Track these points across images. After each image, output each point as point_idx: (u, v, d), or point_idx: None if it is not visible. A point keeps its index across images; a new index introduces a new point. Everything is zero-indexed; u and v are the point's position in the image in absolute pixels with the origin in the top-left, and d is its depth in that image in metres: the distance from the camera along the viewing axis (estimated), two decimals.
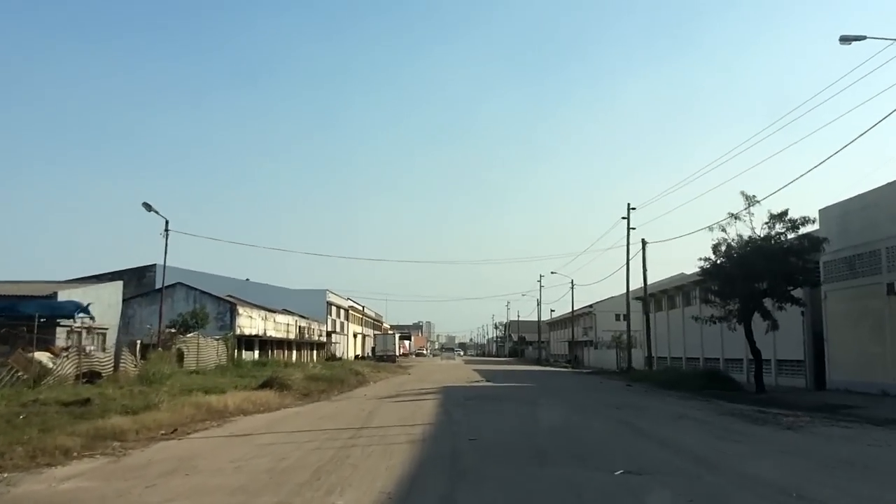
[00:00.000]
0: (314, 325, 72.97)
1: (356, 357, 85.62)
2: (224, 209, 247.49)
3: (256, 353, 52.47)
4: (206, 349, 41.76)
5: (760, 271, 29.41)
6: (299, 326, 66.46)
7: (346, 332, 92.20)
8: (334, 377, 34.97)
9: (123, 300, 48.21)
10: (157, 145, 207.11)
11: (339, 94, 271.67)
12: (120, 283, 47.82)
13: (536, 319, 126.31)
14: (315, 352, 74.00)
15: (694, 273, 54.07)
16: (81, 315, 34.96)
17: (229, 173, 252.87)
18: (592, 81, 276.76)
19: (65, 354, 28.07)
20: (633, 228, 53.75)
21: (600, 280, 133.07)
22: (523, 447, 12.99)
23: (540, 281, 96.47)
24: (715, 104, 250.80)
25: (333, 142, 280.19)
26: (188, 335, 40.57)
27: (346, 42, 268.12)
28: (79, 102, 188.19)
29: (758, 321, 31.92)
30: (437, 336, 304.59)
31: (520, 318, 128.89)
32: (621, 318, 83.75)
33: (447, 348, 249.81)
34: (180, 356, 37.97)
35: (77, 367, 27.67)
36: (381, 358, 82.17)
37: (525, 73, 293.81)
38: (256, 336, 51.84)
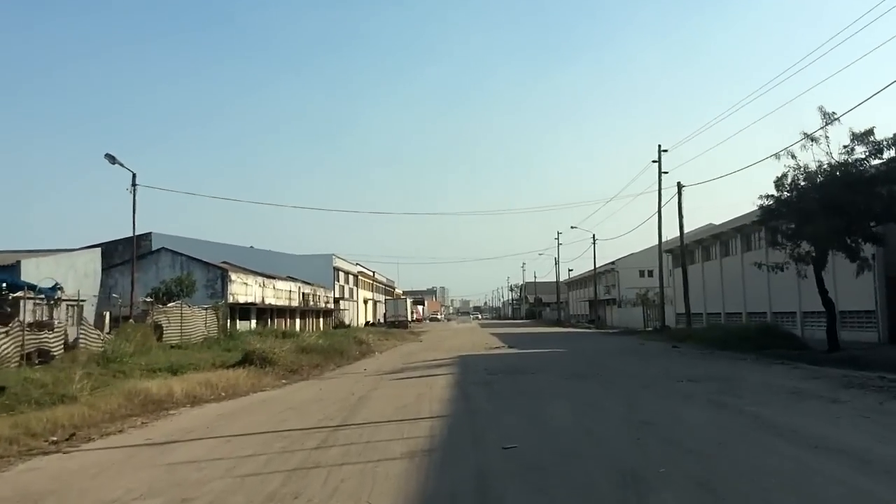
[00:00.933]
0: (320, 292, 67.98)
1: (366, 324, 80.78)
2: (244, 175, 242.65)
3: (253, 322, 47.49)
4: (191, 320, 36.75)
5: (843, 204, 23.80)
6: (303, 293, 61.47)
7: (355, 298, 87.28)
8: (332, 348, 29.90)
9: (104, 269, 43.33)
10: (161, 114, 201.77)
11: (350, 59, 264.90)
12: (98, 251, 42.80)
13: (554, 280, 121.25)
14: (321, 320, 69.15)
15: (729, 221, 48.80)
16: (48, 291, 30.03)
17: (246, 145, 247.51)
18: (604, 41, 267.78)
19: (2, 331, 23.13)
20: (666, 172, 48.02)
21: (622, 234, 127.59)
22: (599, 466, 7.70)
23: (558, 238, 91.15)
24: (730, 49, 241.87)
25: (343, 107, 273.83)
26: (169, 305, 35.51)
27: (358, 7, 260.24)
28: (86, 82, 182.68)
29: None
30: (452, 301, 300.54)
31: (536, 279, 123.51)
32: (646, 274, 78.50)
33: (463, 312, 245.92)
34: (158, 329, 33.08)
35: (21, 345, 22.74)
36: (393, 324, 77.27)
37: (537, 34, 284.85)
38: (252, 304, 46.81)
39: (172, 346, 32.42)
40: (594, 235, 71.50)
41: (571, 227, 72.41)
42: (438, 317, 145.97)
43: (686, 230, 55.38)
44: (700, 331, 39.06)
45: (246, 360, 23.46)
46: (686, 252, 56.08)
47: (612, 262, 77.04)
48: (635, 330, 59.48)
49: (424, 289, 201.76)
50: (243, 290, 45.90)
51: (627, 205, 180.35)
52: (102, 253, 48.67)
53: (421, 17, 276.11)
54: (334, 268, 75.57)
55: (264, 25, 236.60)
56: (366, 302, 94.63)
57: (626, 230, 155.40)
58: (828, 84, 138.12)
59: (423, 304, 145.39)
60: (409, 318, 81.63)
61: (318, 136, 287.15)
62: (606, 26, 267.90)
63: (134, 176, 33.18)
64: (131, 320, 32.80)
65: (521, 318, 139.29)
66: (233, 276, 44.14)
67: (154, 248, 68.38)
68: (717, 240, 51.53)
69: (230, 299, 43.53)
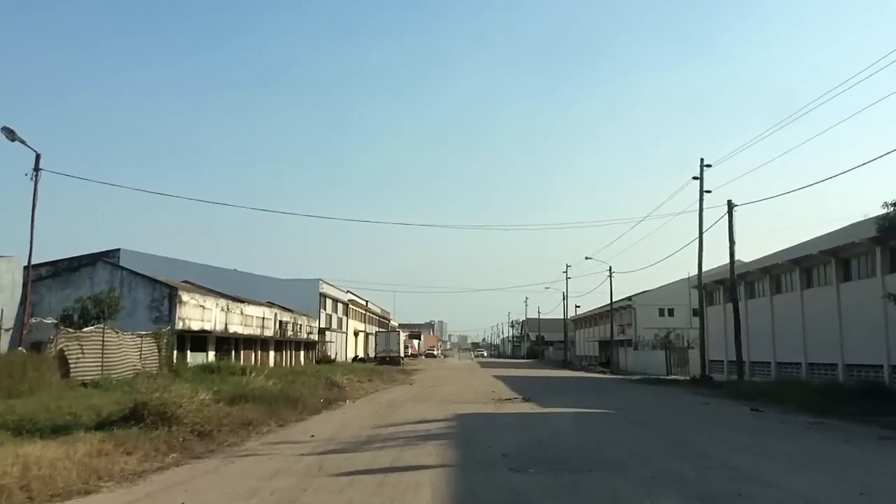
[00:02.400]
0: (302, 321, 59.44)
1: (354, 359, 72.10)
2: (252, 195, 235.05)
3: (211, 354, 39.02)
4: (117, 350, 28.48)
5: None
6: (280, 321, 52.96)
7: (344, 329, 78.68)
8: (283, 395, 21.43)
9: (33, 281, 34.98)
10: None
11: (352, 97, 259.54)
12: (18, 259, 34.31)
13: (557, 317, 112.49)
14: (302, 353, 60.60)
15: (784, 251, 39.87)
16: None
17: (250, 172, 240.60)
18: (609, 82, 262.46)
19: None
20: (709, 192, 39.87)
21: (641, 268, 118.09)
22: None
23: (566, 271, 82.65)
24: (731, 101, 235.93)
25: (347, 142, 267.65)
26: (86, 329, 27.10)
27: (361, 45, 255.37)
28: (89, 102, 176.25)
29: None
30: (450, 336, 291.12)
31: (540, 315, 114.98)
32: (666, 313, 70.02)
33: (464, 348, 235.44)
34: (64, 361, 24.78)
35: None
36: (384, 360, 68.65)
37: (542, 75, 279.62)
38: (209, 332, 38.37)
39: (85, 384, 24.18)
40: (611, 268, 63.25)
41: (586, 258, 64.16)
42: (435, 353, 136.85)
43: (709, 266, 47.48)
44: (769, 386, 30.44)
45: (134, 416, 15.14)
46: (719, 289, 47.82)
47: (629, 298, 68.63)
48: (658, 377, 50.77)
49: (422, 322, 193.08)
50: (198, 313, 37.45)
51: (644, 239, 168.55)
52: (62, 270, 40.72)
53: (427, 51, 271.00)
54: (320, 294, 67.17)
55: (269, 57, 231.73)
56: (356, 334, 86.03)
57: (644, 264, 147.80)
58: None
59: (420, 339, 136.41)
60: (403, 354, 72.79)
61: (325, 173, 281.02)
62: (613, 60, 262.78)
63: (37, 157, 24.93)
64: (20, 348, 24.48)
65: (522, 357, 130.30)
66: (184, 297, 35.73)
67: (125, 264, 60.37)
68: (765, 274, 43.19)
69: (179, 325, 35.13)
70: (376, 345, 71.44)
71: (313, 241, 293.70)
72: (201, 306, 37.98)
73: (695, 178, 40.04)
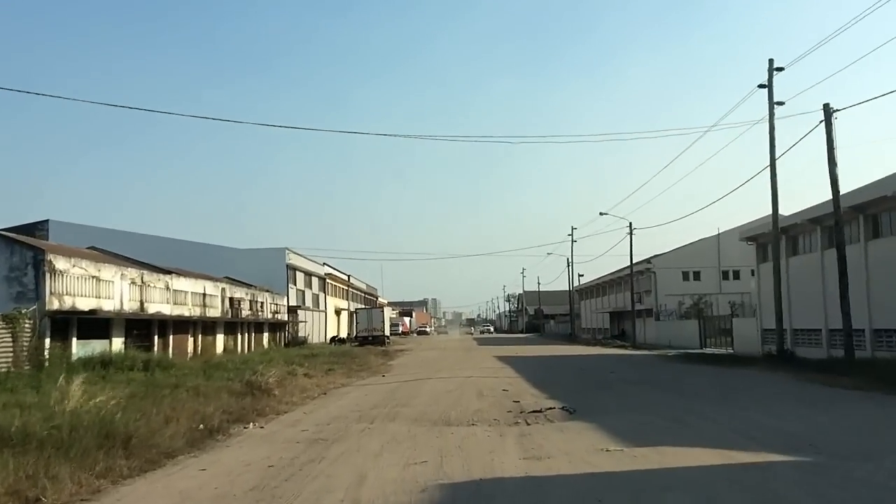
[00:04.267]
0: (262, 298, 48.60)
1: (332, 340, 61.30)
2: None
3: (118, 342, 28.20)
4: None
5: None
6: (231, 298, 42.09)
7: (322, 307, 67.89)
8: (107, 430, 10.63)
9: None
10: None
11: (342, 79, 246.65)
12: None
13: (557, 289, 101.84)
14: (267, 334, 49.83)
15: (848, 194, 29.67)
16: None
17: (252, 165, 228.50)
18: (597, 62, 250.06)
19: None
20: (781, 103, 29.02)
21: (666, 223, 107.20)
22: None
23: (571, 234, 71.69)
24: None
25: (335, 123, 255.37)
26: None
27: (348, 27, 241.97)
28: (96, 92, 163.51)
29: None
30: (444, 313, 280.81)
31: (541, 287, 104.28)
32: (691, 276, 59.45)
33: (462, 324, 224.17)
34: None
35: None
36: (366, 340, 57.91)
37: (527, 55, 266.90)
38: (111, 313, 27.53)
39: None
40: (631, 223, 52.28)
41: (601, 214, 53.34)
42: (427, 330, 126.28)
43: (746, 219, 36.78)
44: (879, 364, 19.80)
45: None
46: (770, 244, 37.17)
47: (648, 261, 57.94)
48: (696, 352, 40.21)
49: (415, 300, 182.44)
50: (90, 287, 26.55)
51: (660, 196, 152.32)
52: None
53: (410, 42, 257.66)
54: (288, 266, 56.21)
55: (262, 39, 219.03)
56: (338, 313, 75.35)
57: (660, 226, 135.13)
58: None
59: (411, 316, 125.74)
60: (387, 333, 61.99)
61: (317, 150, 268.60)
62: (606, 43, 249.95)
63: None
64: None
65: (520, 332, 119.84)
66: (59, 264, 24.75)
67: (54, 238, 49.90)
68: (815, 225, 32.59)
69: (55, 303, 24.24)
70: (356, 323, 60.70)
71: (306, 217, 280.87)
72: (94, 277, 26.99)
73: (761, 85, 29.12)
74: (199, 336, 37.43)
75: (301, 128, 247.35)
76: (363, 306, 76.72)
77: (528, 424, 12.20)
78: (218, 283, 40.61)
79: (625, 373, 24.45)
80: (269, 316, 50.10)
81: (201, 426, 12.47)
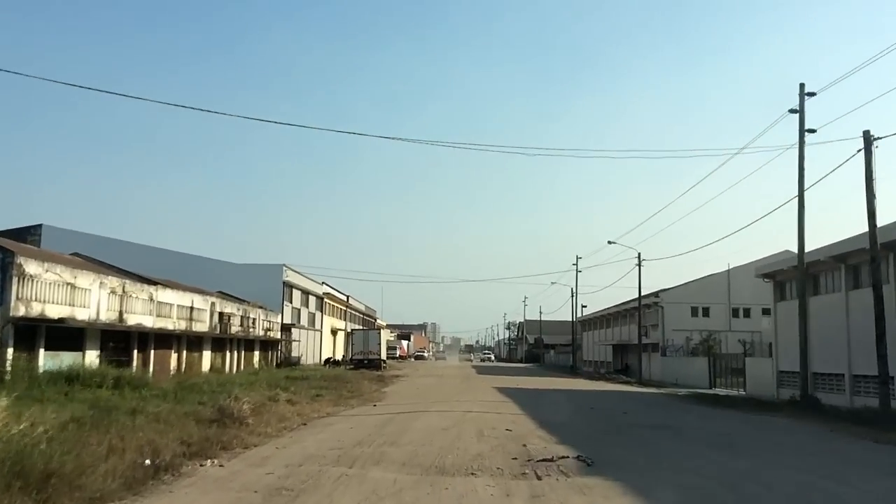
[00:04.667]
0: (255, 314, 46.48)
1: (326, 362, 59.00)
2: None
3: (92, 354, 26.11)
4: None
5: None
6: (221, 313, 39.97)
7: (318, 326, 65.71)
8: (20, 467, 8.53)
9: None
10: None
11: (351, 95, 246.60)
12: None
13: (560, 319, 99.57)
14: (258, 353, 47.68)
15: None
16: None
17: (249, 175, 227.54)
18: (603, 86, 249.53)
19: None
20: (812, 131, 27.16)
21: (677, 255, 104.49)
22: None
23: (576, 264, 69.66)
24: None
25: (339, 144, 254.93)
26: None
27: (356, 46, 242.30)
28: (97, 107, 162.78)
29: None
30: (443, 338, 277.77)
31: (542, 316, 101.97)
32: (700, 312, 57.24)
33: (465, 351, 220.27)
34: None
35: None
36: (361, 363, 55.62)
37: (535, 77, 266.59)
38: (85, 322, 25.45)
39: None
40: (639, 254, 50.26)
41: (609, 243, 51.24)
42: (425, 355, 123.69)
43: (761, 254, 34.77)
44: None
45: None
46: (793, 281, 35.09)
47: (655, 294, 55.79)
48: (708, 393, 38.02)
49: (414, 323, 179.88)
50: (62, 295, 24.47)
51: (667, 229, 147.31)
52: None
53: (417, 64, 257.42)
54: (284, 283, 54.14)
55: (266, 57, 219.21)
56: (334, 333, 73.12)
57: (668, 261, 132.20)
58: None
59: (409, 340, 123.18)
60: (384, 356, 59.72)
61: (319, 171, 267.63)
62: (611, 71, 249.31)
63: None
64: None
65: (519, 361, 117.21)
66: (30, 267, 22.71)
67: (46, 243, 48.08)
68: (839, 263, 30.54)
69: (21, 310, 22.20)
70: (352, 345, 58.42)
71: (309, 236, 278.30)
72: (69, 284, 24.93)
73: (792, 110, 27.25)
74: (184, 352, 35.31)
75: (301, 125, 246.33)
76: (360, 327, 74.45)
77: (539, 479, 10.05)
78: (207, 297, 38.50)
79: (639, 414, 22.26)
80: (262, 333, 47.93)
81: (147, 462, 10.37)
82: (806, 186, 27.11)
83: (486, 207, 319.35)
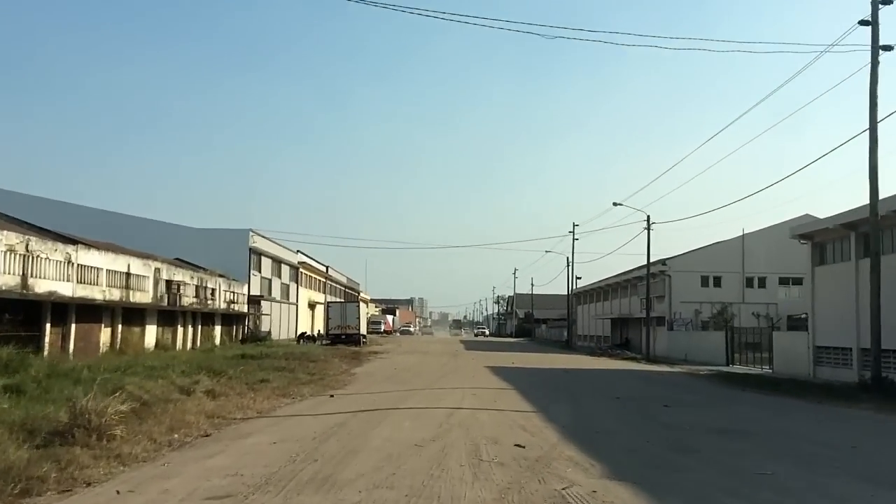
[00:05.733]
0: (216, 284, 40.58)
1: (300, 338, 53.22)
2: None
3: None
4: None
5: None
6: (168, 281, 34.09)
7: (292, 298, 59.85)
8: None
9: None
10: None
11: (341, 80, 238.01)
12: None
13: (555, 291, 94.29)
14: (219, 327, 41.87)
15: None
16: None
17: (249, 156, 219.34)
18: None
19: None
20: (888, 48, 21.39)
21: (689, 217, 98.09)
22: None
23: (573, 231, 63.97)
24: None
25: (336, 125, 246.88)
26: None
27: (348, 28, 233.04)
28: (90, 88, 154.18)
29: None
30: (431, 313, 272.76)
31: (533, 289, 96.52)
32: (711, 282, 51.77)
33: (452, 325, 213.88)
34: None
35: None
36: (338, 338, 49.93)
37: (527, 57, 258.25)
38: None
39: None
40: (648, 217, 44.50)
41: (614, 204, 45.45)
42: (412, 329, 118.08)
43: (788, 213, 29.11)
44: None
45: None
46: (848, 237, 29.56)
47: (662, 262, 50.23)
48: (720, 367, 32.71)
49: (401, 299, 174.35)
50: None
51: (676, 190, 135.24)
52: None
53: (410, 43, 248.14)
54: (251, 250, 48.14)
55: (261, 34, 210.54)
56: (312, 306, 67.27)
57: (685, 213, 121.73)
58: None
59: (394, 314, 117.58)
60: (363, 331, 54.01)
61: (311, 141, 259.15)
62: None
63: None
64: None
65: (508, 336, 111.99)
66: None
67: None
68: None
69: None
70: (328, 319, 52.55)
71: (286, 203, 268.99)
72: None
73: (864, 22, 21.44)
74: (119, 326, 29.43)
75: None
76: (338, 300, 68.46)
77: None
78: (149, 262, 32.52)
79: (685, 408, 16.57)
80: (223, 305, 42.05)
81: None
82: (880, 117, 21.37)
83: (480, 179, 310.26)
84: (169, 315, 34.89)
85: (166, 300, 33.94)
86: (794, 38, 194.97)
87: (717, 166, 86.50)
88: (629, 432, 12.16)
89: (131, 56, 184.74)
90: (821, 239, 31.82)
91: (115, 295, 28.98)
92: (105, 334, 28.43)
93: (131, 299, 30.30)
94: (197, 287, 38.20)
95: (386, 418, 12.92)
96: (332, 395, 16.99)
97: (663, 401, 17.69)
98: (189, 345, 36.92)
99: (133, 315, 31.01)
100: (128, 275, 30.22)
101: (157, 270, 33.25)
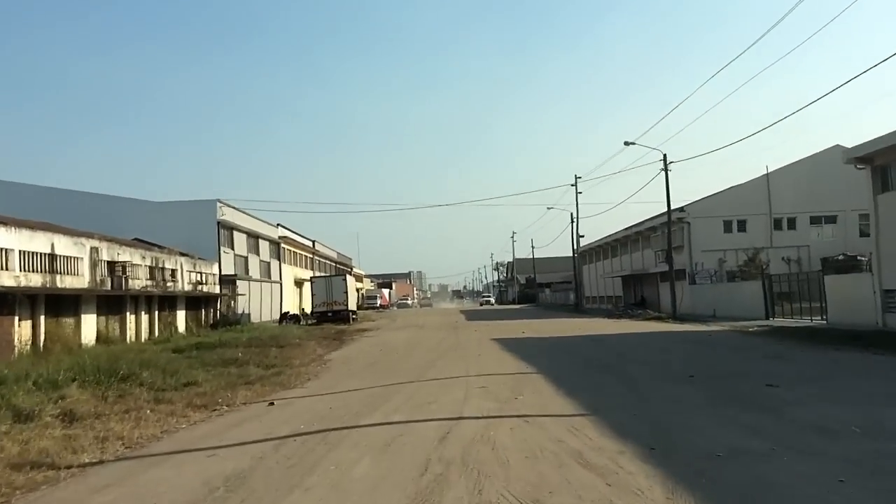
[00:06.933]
0: (175, 264, 34.91)
1: (283, 318, 47.54)
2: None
3: None
4: None
5: None
6: (109, 262, 28.41)
7: (274, 276, 54.16)
8: None
9: None
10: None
11: (325, 55, 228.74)
12: None
13: (552, 255, 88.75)
14: (184, 312, 36.22)
15: None
16: None
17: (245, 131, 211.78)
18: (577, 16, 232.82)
19: None
20: None
21: (707, 152, 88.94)
22: None
23: (575, 184, 58.02)
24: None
25: (317, 94, 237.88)
26: None
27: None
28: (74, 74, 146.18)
29: None
30: (430, 286, 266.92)
31: (534, 252, 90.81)
32: (735, 226, 46.15)
33: (454, 295, 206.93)
34: None
35: None
36: (325, 316, 44.41)
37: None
38: None
39: None
40: (665, 156, 38.60)
41: (626, 144, 39.42)
42: (409, 303, 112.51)
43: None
44: None
45: None
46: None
47: (681, 209, 44.48)
48: (761, 321, 27.26)
49: (399, 273, 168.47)
50: None
51: (690, 126, 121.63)
52: None
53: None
54: (220, 223, 42.34)
55: (247, 15, 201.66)
56: (299, 284, 61.51)
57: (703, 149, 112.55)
58: None
59: (391, 288, 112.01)
60: (352, 306, 48.42)
61: (304, 118, 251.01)
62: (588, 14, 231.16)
63: None
64: None
65: (510, 303, 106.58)
66: None
67: None
68: None
69: None
70: (312, 295, 46.87)
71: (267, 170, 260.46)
72: None
73: None
74: (42, 317, 23.73)
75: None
76: (323, 274, 62.67)
77: None
78: (83, 240, 26.74)
79: (804, 390, 10.94)
80: (188, 287, 36.36)
81: None
82: None
83: (474, 135, 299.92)
84: (115, 302, 29.22)
85: (109, 284, 28.25)
86: None
87: (731, 101, 79.98)
88: (787, 457, 6.52)
89: (111, 45, 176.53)
90: (883, 161, 26.12)
91: (35, 280, 23.30)
92: (24, 329, 22.77)
93: (59, 284, 24.64)
94: (151, 268, 32.51)
95: (329, 454, 7.33)
96: (271, 404, 11.36)
97: (756, 377, 12.09)
98: (144, 335, 31.35)
99: (64, 304, 25.34)
100: (52, 256, 24.50)
101: (95, 250, 27.51)
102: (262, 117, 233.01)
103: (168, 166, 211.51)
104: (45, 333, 23.88)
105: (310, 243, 68.26)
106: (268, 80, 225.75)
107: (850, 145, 30.38)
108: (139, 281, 31.03)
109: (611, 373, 14.06)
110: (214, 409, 11.00)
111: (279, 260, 56.06)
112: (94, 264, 27.31)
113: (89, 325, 27.03)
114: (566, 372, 14.17)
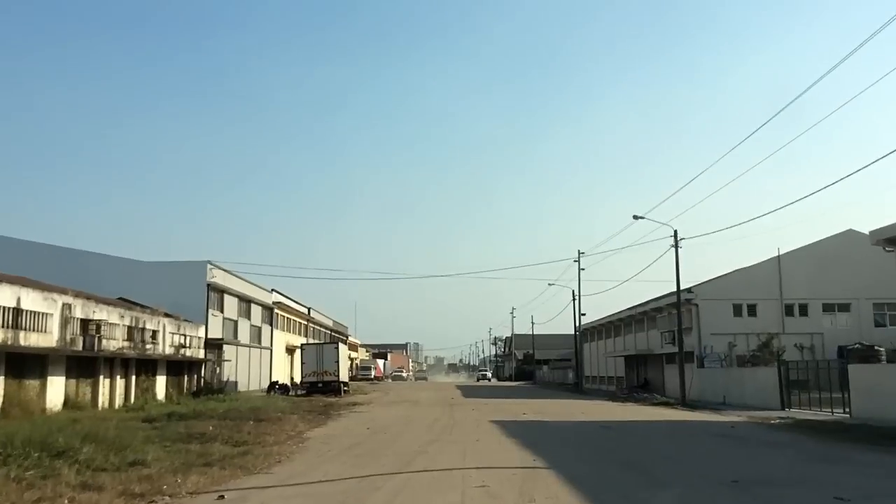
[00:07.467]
0: (157, 325, 32.81)
1: (271, 387, 44.98)
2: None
3: None
4: None
5: None
6: (81, 320, 26.33)
7: (265, 342, 51.79)
8: None
9: None
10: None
11: (324, 105, 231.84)
12: None
13: (556, 331, 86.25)
14: (166, 377, 33.87)
15: None
16: None
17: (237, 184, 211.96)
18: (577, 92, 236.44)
19: None
20: None
21: (719, 230, 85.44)
22: None
23: (578, 260, 56.34)
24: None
25: (318, 151, 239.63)
26: None
27: (346, 72, 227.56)
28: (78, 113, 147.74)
29: None
30: (426, 357, 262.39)
31: (534, 328, 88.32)
32: (744, 310, 44.09)
33: (449, 368, 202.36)
34: None
35: None
36: (314, 386, 41.97)
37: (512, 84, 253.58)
38: None
39: None
40: (676, 232, 37.00)
41: (635, 217, 37.79)
42: (404, 374, 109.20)
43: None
44: None
45: None
46: None
47: (689, 290, 42.56)
48: (777, 413, 25.02)
49: (395, 343, 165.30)
50: None
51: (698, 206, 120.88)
52: None
53: (388, 69, 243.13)
54: (210, 286, 40.36)
55: (258, 86, 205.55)
56: (290, 351, 59.06)
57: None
58: None
59: (386, 359, 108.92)
60: (343, 377, 45.95)
61: (304, 187, 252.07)
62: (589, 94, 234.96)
63: None
64: None
65: (507, 379, 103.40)
66: None
67: None
68: None
69: None
70: (302, 364, 44.48)
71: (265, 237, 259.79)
72: None
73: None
74: (1, 378, 21.54)
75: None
76: (314, 342, 60.24)
77: None
78: (54, 295, 24.73)
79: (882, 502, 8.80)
80: (169, 350, 34.12)
81: None
82: None
83: (476, 210, 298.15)
84: (88, 364, 27.05)
85: (81, 344, 26.09)
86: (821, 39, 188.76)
87: (743, 181, 79.15)
88: None
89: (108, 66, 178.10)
90: None
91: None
92: None
93: (22, 342, 22.50)
94: (130, 328, 30.38)
95: None
96: (221, 497, 9.17)
97: (814, 486, 9.94)
98: (119, 401, 29.04)
99: (28, 364, 23.22)
100: (17, 310, 22.47)
101: (68, 307, 25.47)
102: (265, 185, 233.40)
103: (164, 228, 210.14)
104: (4, 396, 21.68)
105: (305, 310, 66.11)
106: (273, 150, 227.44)
107: (861, 230, 28.87)
108: (115, 342, 28.87)
109: (635, 470, 11.87)
110: (151, 502, 8.83)
111: (272, 325, 53.86)
112: (65, 322, 25.24)
113: (56, 389, 24.79)
114: (582, 468, 11.99)
